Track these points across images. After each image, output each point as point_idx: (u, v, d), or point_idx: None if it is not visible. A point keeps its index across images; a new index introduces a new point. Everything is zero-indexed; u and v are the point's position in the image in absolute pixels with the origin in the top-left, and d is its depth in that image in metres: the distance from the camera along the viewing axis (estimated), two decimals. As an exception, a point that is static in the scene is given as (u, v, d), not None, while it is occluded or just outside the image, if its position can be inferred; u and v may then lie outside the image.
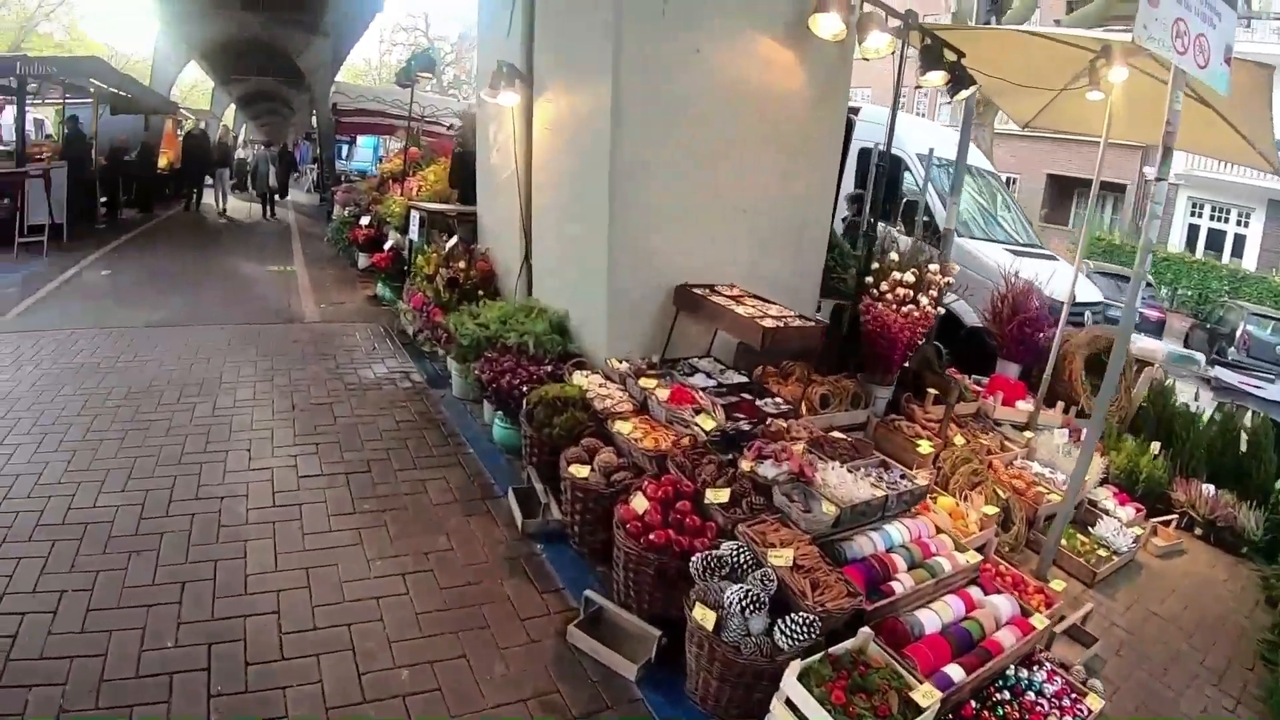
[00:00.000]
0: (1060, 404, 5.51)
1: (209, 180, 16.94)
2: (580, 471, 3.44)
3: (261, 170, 17.77)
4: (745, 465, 3.35)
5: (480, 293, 5.74)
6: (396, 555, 3.40)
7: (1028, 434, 5.15)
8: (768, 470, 3.29)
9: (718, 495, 3.10)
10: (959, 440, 4.67)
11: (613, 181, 4.32)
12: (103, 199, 14.15)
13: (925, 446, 4.35)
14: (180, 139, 18.25)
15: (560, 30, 4.94)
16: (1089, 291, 7.90)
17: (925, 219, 6.87)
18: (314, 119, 28.97)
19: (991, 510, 3.98)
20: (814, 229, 5.29)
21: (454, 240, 6.13)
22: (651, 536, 2.94)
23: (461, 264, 5.89)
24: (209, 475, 3.95)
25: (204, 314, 7.25)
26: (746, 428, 3.69)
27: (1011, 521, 4.11)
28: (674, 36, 4.29)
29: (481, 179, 6.60)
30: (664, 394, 3.88)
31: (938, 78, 4.81)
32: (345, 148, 24.84)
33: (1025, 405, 5.36)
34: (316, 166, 26.76)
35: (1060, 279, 6.36)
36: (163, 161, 18.38)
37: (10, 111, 16.70)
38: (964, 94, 5.06)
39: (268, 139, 27.06)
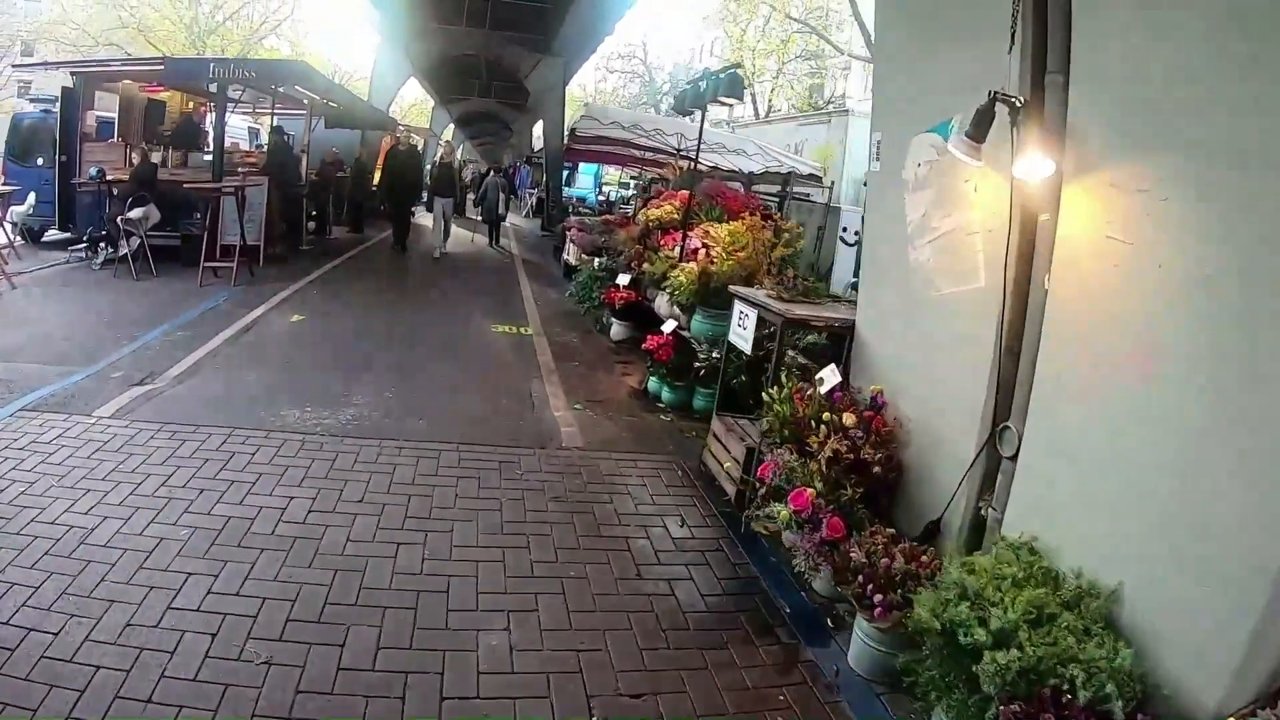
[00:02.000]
0: None
1: (418, 209, 15.77)
2: None
3: (491, 198, 16.84)
4: None
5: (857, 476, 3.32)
6: None
7: None
8: None
9: None
10: None
11: None
12: (311, 215, 13.51)
13: None
14: (385, 157, 16.74)
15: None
16: None
17: None
18: (537, 141, 28.76)
19: None
20: None
21: (833, 379, 3.73)
22: None
23: (848, 419, 3.48)
24: None
25: (413, 410, 5.37)
26: None
27: None
28: None
29: (872, 268, 4.23)
30: None
31: None
32: (565, 173, 23.92)
33: None
34: (536, 191, 26.28)
35: None
36: (379, 178, 18.02)
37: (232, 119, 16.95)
38: None
39: (494, 163, 26.92)
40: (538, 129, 35.17)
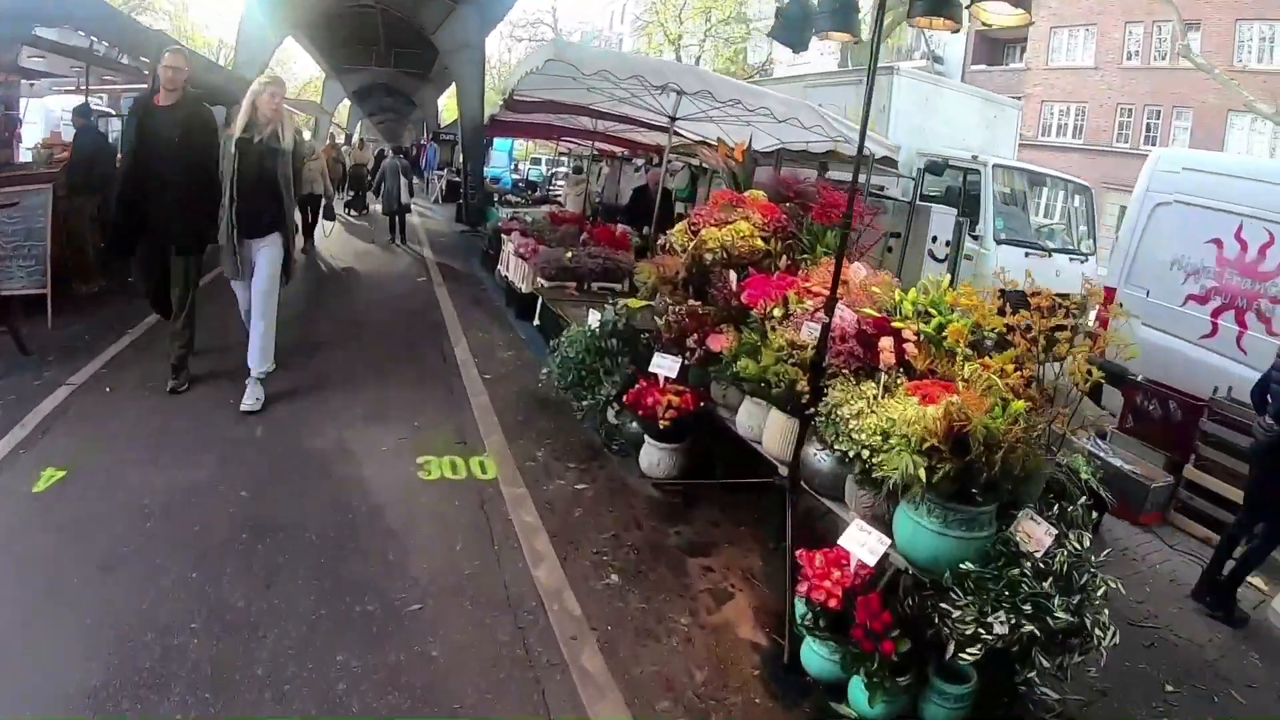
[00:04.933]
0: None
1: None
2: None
3: (389, 185, 12.63)
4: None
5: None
6: None
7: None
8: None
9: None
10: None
11: None
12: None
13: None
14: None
15: None
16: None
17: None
18: (446, 115, 24.32)
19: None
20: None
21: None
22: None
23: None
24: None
25: None
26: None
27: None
28: None
29: None
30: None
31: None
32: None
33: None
34: (445, 173, 21.89)
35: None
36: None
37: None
38: None
39: (394, 143, 22.36)
40: (444, 100, 30.54)
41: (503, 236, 9.61)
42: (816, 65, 23.32)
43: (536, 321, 7.61)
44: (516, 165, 31.22)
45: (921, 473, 2.61)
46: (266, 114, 4.52)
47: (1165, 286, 6.22)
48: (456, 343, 6.96)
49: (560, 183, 22.57)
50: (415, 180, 19.03)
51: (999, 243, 8.24)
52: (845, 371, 3.29)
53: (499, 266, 9.76)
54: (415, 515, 3.69)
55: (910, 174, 8.03)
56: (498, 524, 3.70)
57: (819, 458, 3.36)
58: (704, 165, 12.12)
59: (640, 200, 8.53)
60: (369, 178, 15.98)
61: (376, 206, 14.01)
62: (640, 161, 16.17)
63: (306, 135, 13.58)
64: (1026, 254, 8.41)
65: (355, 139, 20.69)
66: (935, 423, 2.65)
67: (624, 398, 4.44)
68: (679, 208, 11.14)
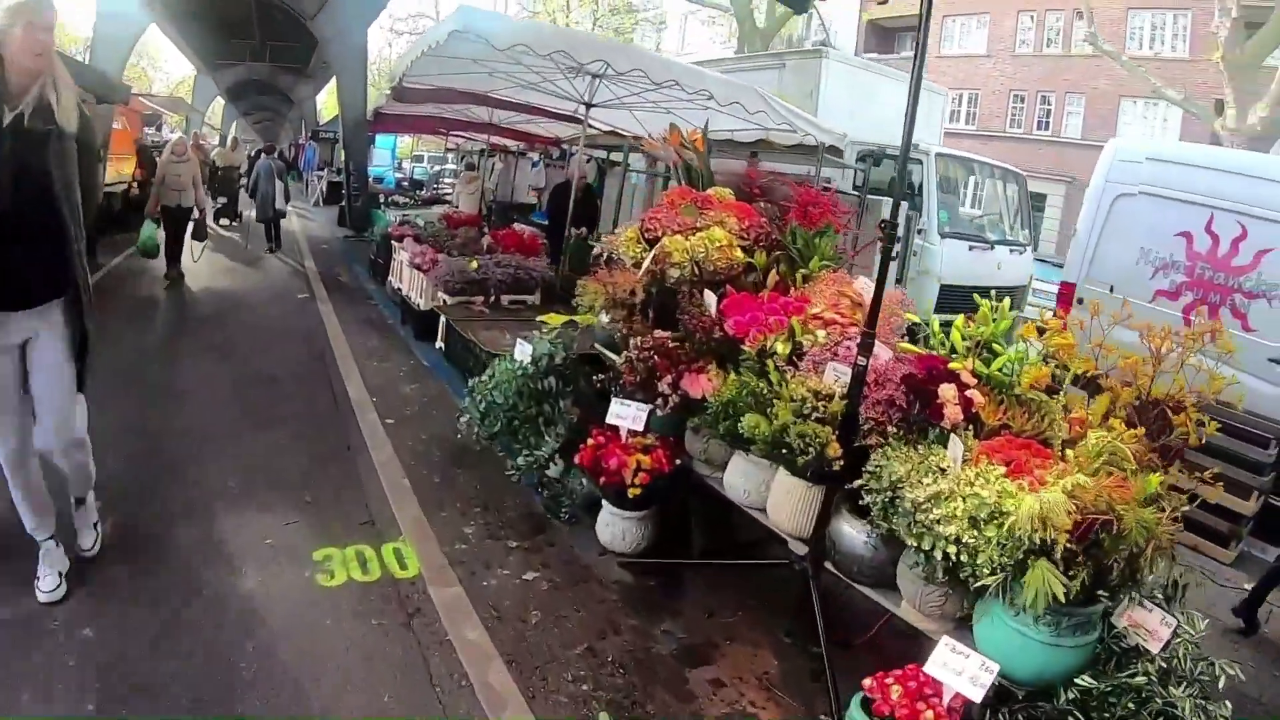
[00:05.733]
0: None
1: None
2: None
3: (265, 189, 11.20)
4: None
5: None
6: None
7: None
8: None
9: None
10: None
11: None
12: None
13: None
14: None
15: None
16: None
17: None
18: (326, 113, 22.48)
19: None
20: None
21: None
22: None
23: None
24: None
25: None
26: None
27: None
28: None
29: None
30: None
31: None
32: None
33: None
34: (325, 173, 20.20)
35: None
36: (115, 173, 11.55)
37: None
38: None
39: (268, 143, 20.34)
40: (322, 98, 28.31)
41: (393, 244, 8.47)
42: (704, 54, 22.98)
43: (440, 344, 6.59)
44: (400, 164, 29.41)
45: (1059, 588, 1.87)
46: (25, 67, 2.33)
47: (1132, 282, 5.86)
48: (349, 377, 5.84)
49: (450, 181, 21.22)
50: (294, 183, 17.28)
51: (943, 236, 7.80)
52: (890, 428, 2.53)
53: (390, 278, 8.64)
54: (320, 651, 2.68)
55: (854, 165, 7.45)
56: (434, 651, 2.74)
57: (857, 539, 2.60)
58: (611, 160, 11.31)
59: (562, 198, 7.60)
60: (241, 181, 14.26)
61: (251, 213, 12.43)
62: (537, 156, 15.21)
63: (177, 136, 11.69)
64: (971, 247, 8.03)
65: (229, 139, 18.61)
66: (1060, 512, 1.91)
67: (575, 455, 3.54)
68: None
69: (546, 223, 9.95)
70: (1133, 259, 5.90)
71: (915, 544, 2.28)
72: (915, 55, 2.52)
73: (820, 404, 2.58)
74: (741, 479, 3.07)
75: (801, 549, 2.88)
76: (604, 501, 3.49)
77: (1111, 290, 5.98)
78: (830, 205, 3.94)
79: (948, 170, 8.21)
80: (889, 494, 2.38)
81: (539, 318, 6.44)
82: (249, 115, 32.61)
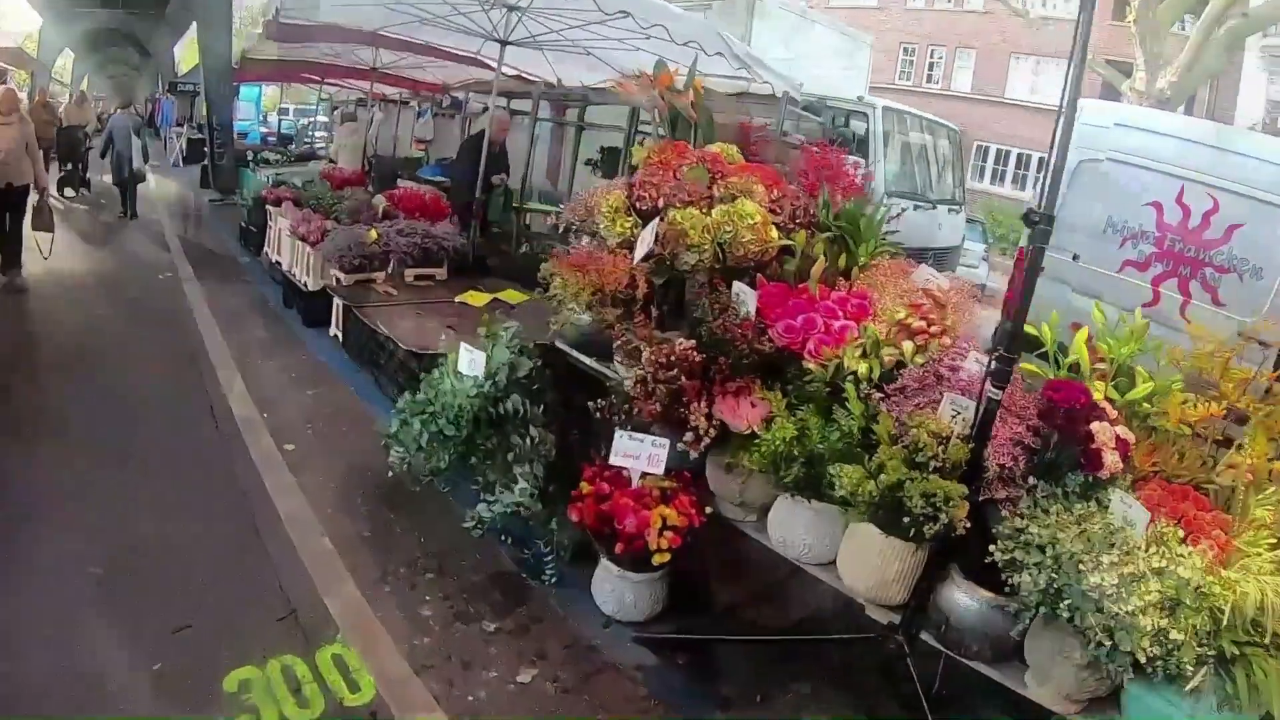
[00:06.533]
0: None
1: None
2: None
3: (120, 148, 9.51)
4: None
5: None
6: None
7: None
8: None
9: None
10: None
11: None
12: None
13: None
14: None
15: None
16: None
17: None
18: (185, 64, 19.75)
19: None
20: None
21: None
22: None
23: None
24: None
25: None
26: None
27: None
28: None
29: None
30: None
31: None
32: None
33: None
34: (185, 130, 17.81)
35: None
36: None
37: None
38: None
39: (124, 99, 17.59)
40: (181, 48, 24.90)
41: (269, 209, 7.21)
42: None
43: (336, 332, 5.56)
44: (265, 117, 26.47)
45: None
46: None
47: (1098, 251, 5.67)
48: (229, 384, 4.70)
49: (322, 135, 19.15)
50: (154, 141, 14.95)
51: (889, 195, 7.34)
52: (1017, 476, 1.91)
53: (267, 248, 7.40)
54: None
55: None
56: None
57: (977, 610, 1.99)
58: (512, 108, 10.20)
59: (474, 154, 6.45)
60: (88, 143, 12.05)
61: (105, 177, 10.62)
62: (426, 106, 13.83)
63: (22, 97, 9.17)
64: (916, 207, 7.64)
65: (75, 95, 15.91)
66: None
67: (561, 502, 2.74)
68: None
69: (444, 179, 8.86)
70: (1099, 227, 5.66)
71: (1099, 639, 1.69)
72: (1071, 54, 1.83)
73: (941, 449, 1.91)
74: (802, 531, 2.40)
75: (883, 615, 2.25)
76: (604, 559, 2.72)
77: (1075, 259, 5.74)
78: (843, 170, 3.27)
79: (891, 125, 7.75)
80: (1051, 569, 1.76)
81: (458, 298, 5.57)
82: (104, 70, 28.80)
